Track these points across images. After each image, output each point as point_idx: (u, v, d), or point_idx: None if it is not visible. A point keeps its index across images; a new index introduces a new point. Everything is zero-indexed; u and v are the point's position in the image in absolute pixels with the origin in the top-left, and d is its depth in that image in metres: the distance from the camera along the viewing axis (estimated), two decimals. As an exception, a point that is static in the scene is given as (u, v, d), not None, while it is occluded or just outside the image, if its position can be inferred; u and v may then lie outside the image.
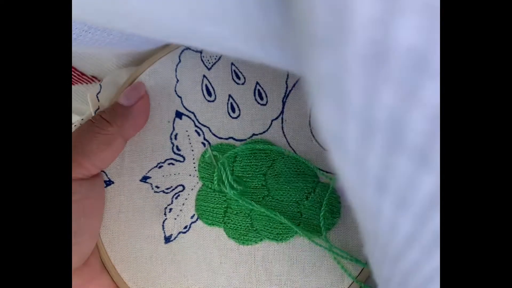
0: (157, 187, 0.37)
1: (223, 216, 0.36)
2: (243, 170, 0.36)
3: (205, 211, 0.36)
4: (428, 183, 0.14)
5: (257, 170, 0.36)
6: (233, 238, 0.36)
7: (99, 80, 0.40)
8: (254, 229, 0.36)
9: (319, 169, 0.36)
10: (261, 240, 0.36)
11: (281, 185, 0.36)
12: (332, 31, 0.12)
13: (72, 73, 0.39)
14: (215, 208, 0.36)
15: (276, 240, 0.36)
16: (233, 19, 0.15)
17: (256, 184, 0.36)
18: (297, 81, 0.37)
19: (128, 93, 0.36)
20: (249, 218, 0.36)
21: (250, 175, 0.36)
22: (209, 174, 0.37)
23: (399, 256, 0.18)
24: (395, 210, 0.16)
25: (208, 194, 0.37)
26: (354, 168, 0.16)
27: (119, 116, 0.34)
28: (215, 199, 0.36)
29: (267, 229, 0.36)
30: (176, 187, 0.37)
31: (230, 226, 0.36)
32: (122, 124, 0.34)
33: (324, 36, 0.12)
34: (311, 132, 0.37)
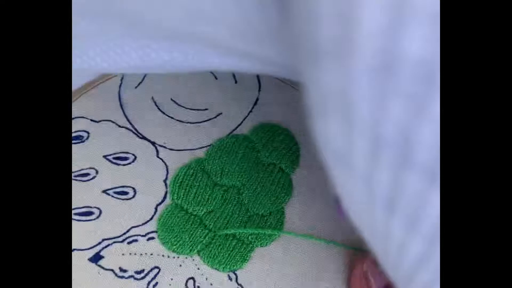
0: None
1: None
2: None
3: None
4: (439, 200, 0.13)
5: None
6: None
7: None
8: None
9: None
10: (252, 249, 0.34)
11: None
12: (339, 43, 0.11)
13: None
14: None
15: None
16: (231, 19, 0.15)
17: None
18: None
19: None
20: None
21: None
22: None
23: (411, 276, 0.17)
24: (405, 230, 0.15)
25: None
26: (361, 186, 0.15)
27: None
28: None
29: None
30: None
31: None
32: None
33: (330, 48, 0.12)
34: None
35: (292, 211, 0.34)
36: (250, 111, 0.36)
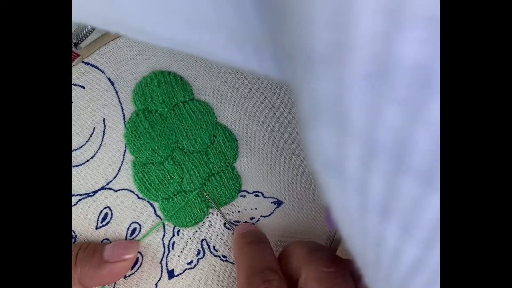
0: None
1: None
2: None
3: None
4: (435, 205, 0.13)
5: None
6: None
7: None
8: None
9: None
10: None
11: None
12: (333, 48, 0.11)
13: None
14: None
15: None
16: (230, 24, 0.14)
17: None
18: None
19: (117, 248, 0.33)
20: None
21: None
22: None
23: (404, 283, 0.17)
24: (400, 235, 0.15)
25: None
26: (354, 195, 0.15)
27: (88, 264, 0.31)
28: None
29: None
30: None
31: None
32: (85, 274, 0.31)
33: (324, 54, 0.11)
34: None
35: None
36: (116, 92, 0.35)
